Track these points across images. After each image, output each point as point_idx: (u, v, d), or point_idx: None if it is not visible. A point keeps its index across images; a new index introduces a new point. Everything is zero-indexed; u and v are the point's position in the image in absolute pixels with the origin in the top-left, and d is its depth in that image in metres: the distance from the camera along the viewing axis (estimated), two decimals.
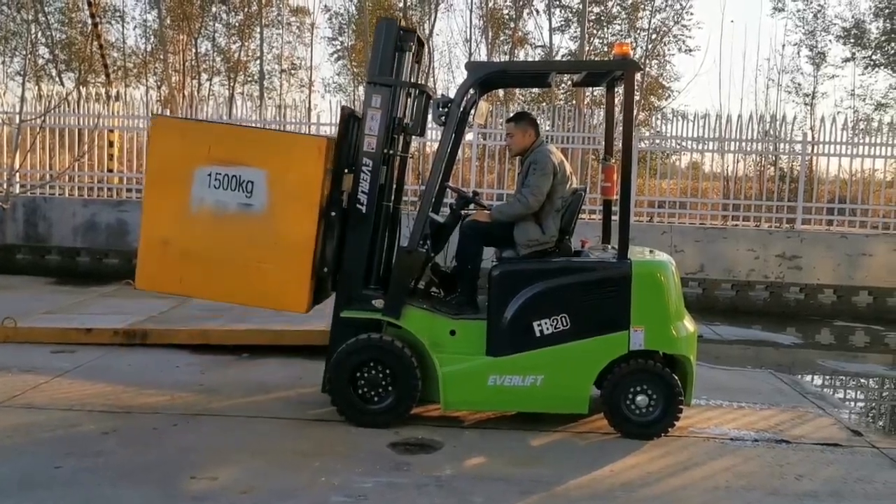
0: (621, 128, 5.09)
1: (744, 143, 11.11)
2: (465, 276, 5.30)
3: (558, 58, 25.47)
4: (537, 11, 26.25)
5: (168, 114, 12.44)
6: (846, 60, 25.11)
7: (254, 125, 11.61)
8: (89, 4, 15.49)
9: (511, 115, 5.56)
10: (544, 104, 18.99)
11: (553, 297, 4.92)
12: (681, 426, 5.10)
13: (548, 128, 12.11)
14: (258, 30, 26.33)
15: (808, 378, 7.13)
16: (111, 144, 12.09)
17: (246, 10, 26.98)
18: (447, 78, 31.31)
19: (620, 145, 5.08)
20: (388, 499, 3.91)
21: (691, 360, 5.08)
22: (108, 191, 11.44)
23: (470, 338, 4.99)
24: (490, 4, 26.28)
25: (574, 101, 22.35)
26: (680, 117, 11.30)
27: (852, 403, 6.62)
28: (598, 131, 12.29)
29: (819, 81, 25.50)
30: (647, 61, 25.68)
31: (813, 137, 11.49)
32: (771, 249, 10.31)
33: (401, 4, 27.04)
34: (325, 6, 31.60)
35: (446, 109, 5.00)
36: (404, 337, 5.00)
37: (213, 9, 27.00)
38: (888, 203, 11.62)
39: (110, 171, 11.96)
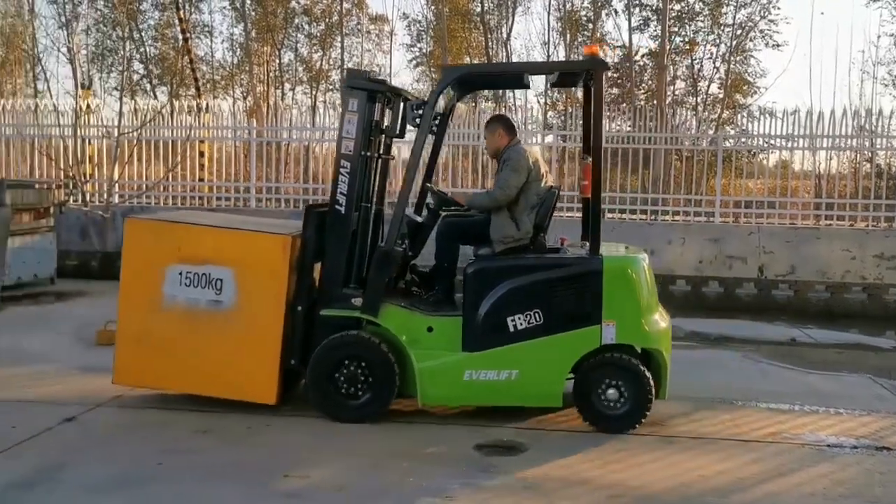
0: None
1: (837, 140, 10.72)
2: (442, 274, 5.46)
3: (637, 58, 25.24)
4: (616, 12, 25.96)
5: (254, 124, 12.84)
6: None
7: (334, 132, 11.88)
8: (180, 21, 16.13)
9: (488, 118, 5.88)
10: (624, 104, 18.73)
11: (526, 292, 5.01)
12: (773, 432, 4.98)
13: (628, 128, 11.96)
14: (339, 39, 26.89)
15: None
16: (202, 154, 12.56)
17: (327, 20, 27.60)
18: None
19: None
20: (475, 500, 3.94)
21: (664, 353, 5.11)
22: (200, 199, 11.88)
23: (446, 334, 5.07)
24: (568, 6, 26.10)
25: (655, 101, 21.97)
26: (767, 114, 10.97)
27: None
28: (681, 131, 12.07)
29: None
30: (731, 57, 25.03)
31: None
32: (868, 249, 9.90)
33: (478, 10, 27.16)
34: (404, 13, 31.98)
35: (420, 112, 5.16)
36: (382, 334, 5.10)
37: (296, 20, 27.72)
38: None
39: (201, 180, 12.42)
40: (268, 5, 26.35)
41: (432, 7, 27.66)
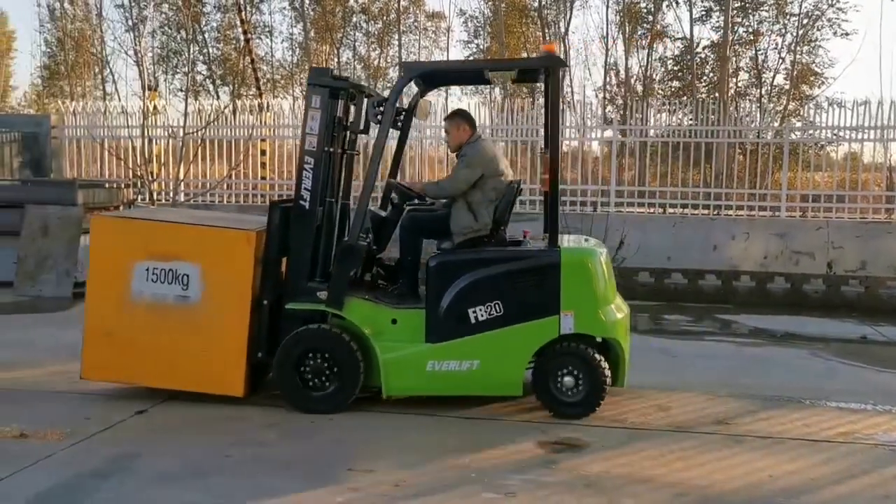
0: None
1: None
2: (406, 268, 5.53)
3: (699, 49, 24.85)
4: (677, 3, 25.51)
5: None
6: None
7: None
8: (242, 22, 16.45)
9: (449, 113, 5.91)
10: (685, 97, 18.40)
11: (486, 285, 5.12)
12: (844, 432, 4.85)
13: (690, 122, 11.74)
14: (396, 37, 27.07)
15: None
16: (263, 153, 12.80)
17: (385, 18, 27.80)
18: (583, 75, 30.80)
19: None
20: (537, 497, 3.94)
21: (622, 343, 5.24)
22: (262, 197, 12.10)
23: (410, 326, 5.18)
24: None
25: (716, 94, 21.52)
26: (836, 105, 10.65)
27: None
28: (744, 123, 11.80)
29: None
30: (798, 47, 24.37)
31: None
32: None
33: (535, 4, 27.00)
34: (460, 10, 32.02)
35: (382, 108, 5.24)
36: (347, 327, 5.19)
37: (354, 19, 28.02)
38: None
39: (263, 178, 12.65)
40: (326, 5, 26.70)
41: (489, 3, 27.63)
